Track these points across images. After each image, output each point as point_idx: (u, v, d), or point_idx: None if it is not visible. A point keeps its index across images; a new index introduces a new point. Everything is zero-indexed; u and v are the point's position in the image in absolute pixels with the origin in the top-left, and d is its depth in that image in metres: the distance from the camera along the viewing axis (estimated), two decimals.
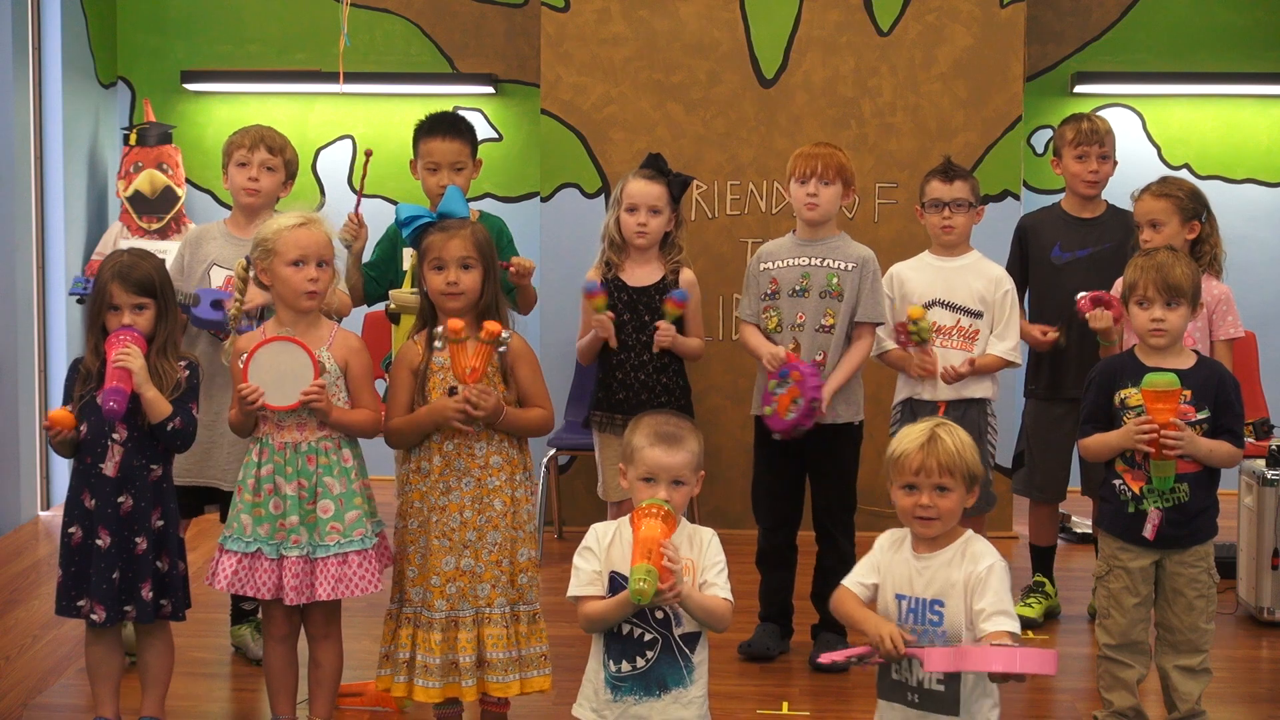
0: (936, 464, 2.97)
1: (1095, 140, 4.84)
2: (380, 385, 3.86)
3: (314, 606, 3.66)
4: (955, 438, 3.02)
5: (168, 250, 4.82)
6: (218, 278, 4.32)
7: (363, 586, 3.60)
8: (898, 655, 2.93)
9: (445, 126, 4.49)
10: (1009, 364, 4.54)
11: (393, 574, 3.71)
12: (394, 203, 6.63)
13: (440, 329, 3.56)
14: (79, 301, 4.84)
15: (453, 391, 3.55)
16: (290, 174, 4.50)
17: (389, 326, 4.43)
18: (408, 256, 4.37)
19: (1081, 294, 4.41)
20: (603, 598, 3.04)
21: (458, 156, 4.44)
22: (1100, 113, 6.49)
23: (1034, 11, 6.37)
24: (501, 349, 3.58)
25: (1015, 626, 2.93)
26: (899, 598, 3.02)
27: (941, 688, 2.97)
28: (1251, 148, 6.66)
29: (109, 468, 3.60)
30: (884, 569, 3.06)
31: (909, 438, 3.02)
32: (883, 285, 4.50)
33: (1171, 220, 4.36)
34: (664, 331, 4.37)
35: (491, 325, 3.52)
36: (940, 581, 3.00)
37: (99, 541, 3.59)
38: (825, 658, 3.10)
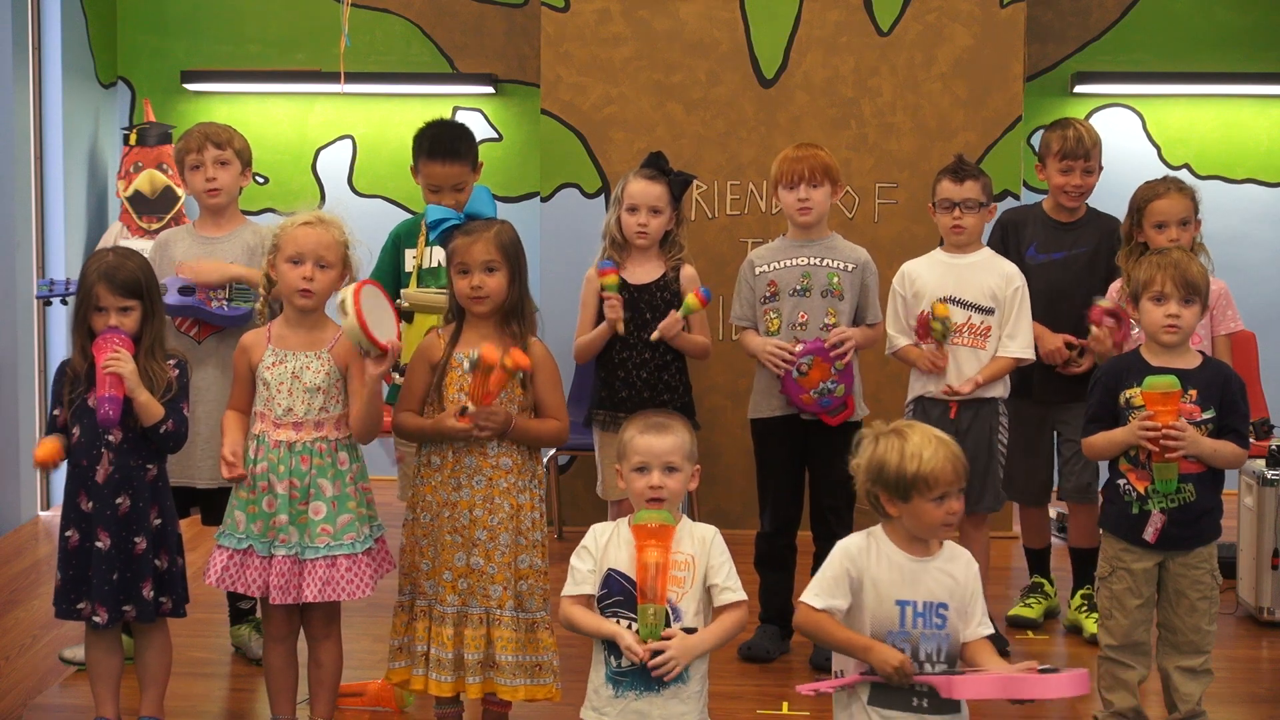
0: (963, 470, 2.96)
1: (1081, 154, 4.66)
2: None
3: (314, 607, 3.65)
4: (950, 439, 3.01)
5: None
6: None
7: (350, 590, 3.58)
8: (908, 684, 2.89)
9: (444, 150, 4.37)
10: (1023, 362, 4.49)
11: (402, 566, 3.69)
12: (393, 203, 6.68)
13: (475, 354, 3.53)
14: (45, 304, 4.81)
15: (464, 410, 3.53)
16: (244, 162, 4.42)
17: None
18: (409, 258, 4.35)
19: (1098, 300, 4.36)
20: (593, 596, 3.10)
21: (459, 179, 4.35)
22: (1100, 113, 6.52)
23: (1034, 11, 6.37)
24: (519, 376, 3.58)
25: (991, 627, 3.01)
26: (901, 604, 2.96)
27: None
28: (1251, 148, 6.65)
29: (99, 474, 3.58)
30: (867, 579, 2.96)
31: (928, 451, 2.93)
32: (893, 283, 4.52)
33: (1192, 217, 4.36)
34: (673, 320, 4.32)
35: (519, 356, 3.51)
36: (946, 582, 2.98)
37: (98, 543, 3.58)
38: (806, 688, 2.99)
